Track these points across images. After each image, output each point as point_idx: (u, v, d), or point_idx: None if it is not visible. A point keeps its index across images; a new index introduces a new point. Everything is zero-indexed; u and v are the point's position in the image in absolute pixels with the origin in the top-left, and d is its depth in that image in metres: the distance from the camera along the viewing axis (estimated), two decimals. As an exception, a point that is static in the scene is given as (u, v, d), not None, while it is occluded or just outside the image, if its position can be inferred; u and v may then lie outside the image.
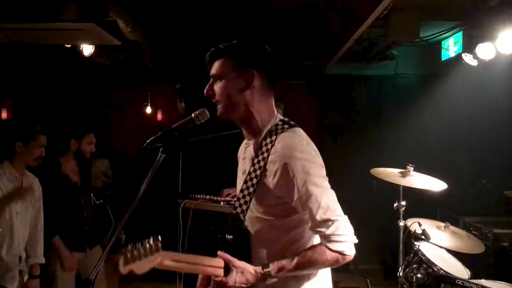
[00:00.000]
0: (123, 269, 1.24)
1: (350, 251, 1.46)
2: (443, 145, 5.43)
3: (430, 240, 2.99)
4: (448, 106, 5.24)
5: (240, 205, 1.57)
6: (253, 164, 1.55)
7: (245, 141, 1.71)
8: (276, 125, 1.58)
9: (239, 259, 1.48)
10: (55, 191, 3.23)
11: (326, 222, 1.44)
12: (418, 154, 4.42)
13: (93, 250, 3.43)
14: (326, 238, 1.45)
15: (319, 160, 1.53)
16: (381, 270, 5.78)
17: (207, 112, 1.61)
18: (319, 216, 1.44)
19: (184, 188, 3.91)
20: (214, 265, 1.45)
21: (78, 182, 3.42)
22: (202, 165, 5.32)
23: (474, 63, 4.29)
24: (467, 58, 4.32)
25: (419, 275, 2.88)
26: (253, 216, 1.58)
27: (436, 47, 5.11)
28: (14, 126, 3.24)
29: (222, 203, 3.28)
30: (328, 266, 1.52)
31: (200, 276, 1.67)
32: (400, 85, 5.88)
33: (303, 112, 5.95)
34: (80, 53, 4.58)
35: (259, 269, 1.46)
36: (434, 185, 3.16)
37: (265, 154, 1.52)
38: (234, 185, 1.80)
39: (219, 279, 1.45)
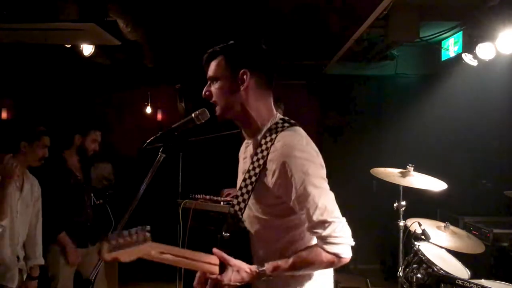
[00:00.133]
0: (107, 256, 1.21)
1: (347, 254, 1.45)
2: (443, 145, 5.43)
3: (430, 240, 2.99)
4: (448, 106, 5.24)
5: (238, 203, 1.56)
6: (252, 163, 1.55)
7: (245, 141, 1.71)
8: (276, 123, 1.58)
9: (236, 257, 1.47)
10: (61, 186, 3.24)
11: (323, 224, 1.42)
12: (418, 154, 4.42)
13: (94, 247, 3.44)
14: (322, 240, 1.44)
15: (319, 160, 1.52)
16: (381, 270, 5.78)
17: (207, 112, 1.61)
18: (316, 217, 1.43)
19: (184, 188, 3.91)
20: (210, 262, 1.44)
21: (82, 179, 3.44)
22: (202, 165, 5.33)
23: (474, 63, 4.29)
24: (467, 58, 4.32)
25: (419, 275, 2.88)
26: (252, 216, 1.57)
27: (436, 47, 5.11)
28: (18, 125, 3.21)
29: (222, 203, 3.28)
30: (324, 268, 1.50)
31: (197, 274, 1.66)
32: (400, 85, 5.88)
33: (303, 112, 5.95)
34: (80, 53, 4.59)
35: (254, 267, 1.46)
36: (434, 185, 3.16)
37: (265, 153, 1.52)
38: (234, 185, 1.80)
39: (214, 276, 1.44)
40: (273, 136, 1.53)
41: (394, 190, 3.35)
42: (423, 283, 2.86)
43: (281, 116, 1.62)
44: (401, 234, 3.27)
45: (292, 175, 1.44)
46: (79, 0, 3.50)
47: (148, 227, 1.29)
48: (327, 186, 1.49)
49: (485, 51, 4.03)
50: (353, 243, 1.46)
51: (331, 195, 1.48)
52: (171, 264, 1.35)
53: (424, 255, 2.91)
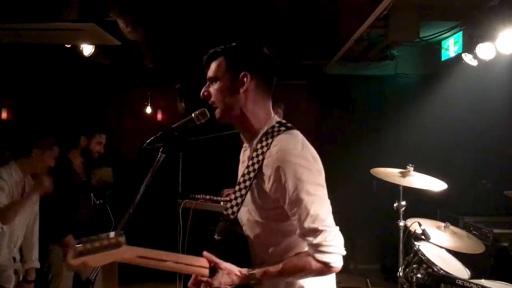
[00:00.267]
0: (73, 262, 1.22)
1: (337, 263, 1.43)
2: (443, 145, 5.43)
3: (430, 240, 2.99)
4: (448, 106, 5.24)
5: (232, 206, 1.56)
6: (247, 167, 1.54)
7: (244, 145, 1.71)
8: (273, 127, 1.56)
9: (228, 260, 1.46)
10: (68, 187, 3.25)
11: (314, 231, 1.41)
12: (418, 154, 4.42)
13: None
14: (313, 248, 1.43)
15: (316, 165, 1.49)
16: (381, 270, 5.78)
17: (207, 112, 1.61)
18: (307, 224, 1.41)
19: (184, 188, 3.91)
20: (200, 264, 1.44)
21: (85, 180, 3.46)
22: (202, 165, 5.32)
23: (474, 63, 4.29)
24: (467, 58, 4.32)
25: (419, 275, 2.88)
26: (252, 220, 1.57)
27: (436, 47, 5.11)
28: (34, 131, 3.17)
29: (222, 203, 3.28)
30: (314, 276, 1.48)
31: (193, 276, 1.66)
32: (400, 85, 5.88)
33: (303, 112, 5.96)
34: (80, 53, 4.59)
35: (245, 270, 1.45)
36: (434, 185, 3.16)
37: (260, 157, 1.50)
38: (234, 185, 1.80)
39: (204, 279, 1.45)
40: (269, 140, 1.51)
41: (394, 190, 3.35)
42: (423, 283, 2.86)
43: (278, 119, 1.61)
44: (401, 234, 3.27)
45: (286, 180, 1.43)
46: (79, 0, 3.50)
47: (122, 232, 1.29)
48: (322, 193, 1.47)
49: (485, 51, 4.03)
50: (344, 253, 1.45)
51: (325, 203, 1.46)
52: (154, 268, 1.35)
53: (424, 255, 2.91)
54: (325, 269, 1.43)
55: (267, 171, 1.48)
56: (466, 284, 2.56)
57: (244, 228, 1.59)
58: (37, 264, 3.05)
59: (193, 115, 1.61)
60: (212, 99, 1.59)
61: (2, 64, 4.92)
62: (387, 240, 4.85)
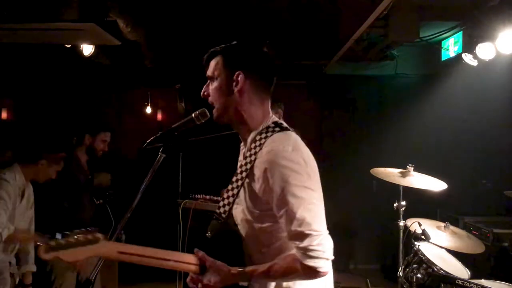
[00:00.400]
0: (45, 255, 1.24)
1: (324, 268, 1.39)
2: (443, 145, 5.44)
3: (430, 240, 2.99)
4: (448, 106, 5.24)
5: (223, 205, 1.56)
6: (240, 166, 1.53)
7: (241, 144, 1.70)
8: (268, 127, 1.54)
9: (220, 258, 1.46)
10: (74, 186, 3.27)
11: (300, 235, 1.38)
12: (418, 154, 4.43)
13: None
14: (299, 251, 1.39)
15: (306, 169, 1.45)
16: (381, 270, 5.78)
17: (207, 112, 1.61)
18: (293, 228, 1.39)
19: (184, 188, 3.91)
20: (184, 261, 1.44)
21: (90, 178, 3.48)
22: (202, 165, 5.32)
23: (474, 63, 4.29)
24: (467, 58, 4.32)
25: (419, 275, 2.88)
26: (245, 219, 1.56)
27: (436, 47, 5.11)
28: (45, 140, 3.13)
29: (222, 203, 3.28)
30: (301, 279, 1.46)
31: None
32: (400, 85, 5.88)
33: (303, 112, 5.96)
34: (80, 53, 4.59)
35: (234, 269, 1.45)
36: (434, 185, 3.16)
37: (252, 157, 1.50)
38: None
39: (194, 276, 1.46)
40: (262, 141, 1.50)
41: (394, 190, 3.35)
42: (423, 283, 2.86)
43: (275, 120, 1.59)
44: (401, 234, 3.27)
45: (273, 182, 1.41)
46: (79, 0, 3.50)
47: (98, 229, 1.32)
48: (310, 196, 1.42)
49: (485, 51, 4.03)
50: (332, 257, 1.41)
51: (313, 206, 1.41)
52: (138, 264, 1.36)
53: (424, 255, 2.91)
54: (312, 273, 1.40)
55: (257, 172, 1.47)
56: (466, 284, 2.56)
57: (239, 227, 1.58)
58: (33, 268, 3.03)
59: (193, 115, 1.61)
60: (210, 99, 1.59)
61: (2, 64, 4.92)
62: (387, 240, 4.86)
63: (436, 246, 3.09)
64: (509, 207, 4.48)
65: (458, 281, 2.60)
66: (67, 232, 1.28)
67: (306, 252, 1.38)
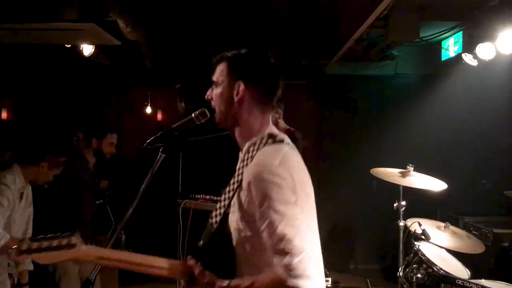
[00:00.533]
0: (17, 258, 1.29)
1: (303, 286, 1.31)
2: (443, 145, 5.44)
3: (430, 240, 2.99)
4: (448, 106, 5.24)
5: (216, 216, 1.54)
6: (233, 176, 1.52)
7: (240, 152, 1.70)
8: (261, 138, 1.52)
9: (210, 267, 1.44)
10: (81, 185, 3.27)
11: (279, 252, 1.32)
12: (418, 154, 4.43)
13: None
14: (280, 269, 1.33)
15: (291, 183, 1.39)
16: (381, 270, 5.78)
17: (207, 112, 1.61)
18: (273, 244, 1.34)
19: (184, 188, 3.91)
20: (160, 266, 1.45)
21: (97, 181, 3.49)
22: (202, 165, 5.32)
23: (474, 63, 4.29)
24: (467, 58, 4.32)
25: (419, 275, 2.88)
26: (237, 229, 1.52)
27: (436, 47, 5.11)
28: (48, 143, 3.06)
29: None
30: None
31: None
32: (400, 85, 5.88)
33: (303, 112, 5.96)
34: (80, 53, 4.59)
35: (220, 282, 1.42)
36: (434, 185, 3.16)
37: (244, 168, 1.48)
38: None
39: (184, 285, 1.46)
40: (254, 153, 1.49)
41: (394, 190, 3.35)
42: (423, 283, 2.86)
43: (271, 131, 1.56)
44: (401, 234, 3.27)
45: (256, 195, 1.38)
46: (79, 0, 3.50)
47: (76, 233, 1.34)
48: (293, 212, 1.35)
49: (485, 51, 4.03)
50: (313, 277, 1.33)
51: (296, 222, 1.34)
52: (119, 268, 1.38)
53: (424, 255, 2.92)
54: None
55: (244, 183, 1.45)
56: (466, 284, 2.56)
57: (232, 235, 1.54)
58: (30, 267, 3.00)
59: (193, 115, 1.61)
60: (212, 103, 1.59)
61: (2, 64, 4.92)
62: (387, 240, 4.86)
63: (436, 246, 3.09)
64: (509, 207, 4.48)
65: (458, 281, 2.60)
66: (42, 236, 1.31)
67: (286, 270, 1.31)
